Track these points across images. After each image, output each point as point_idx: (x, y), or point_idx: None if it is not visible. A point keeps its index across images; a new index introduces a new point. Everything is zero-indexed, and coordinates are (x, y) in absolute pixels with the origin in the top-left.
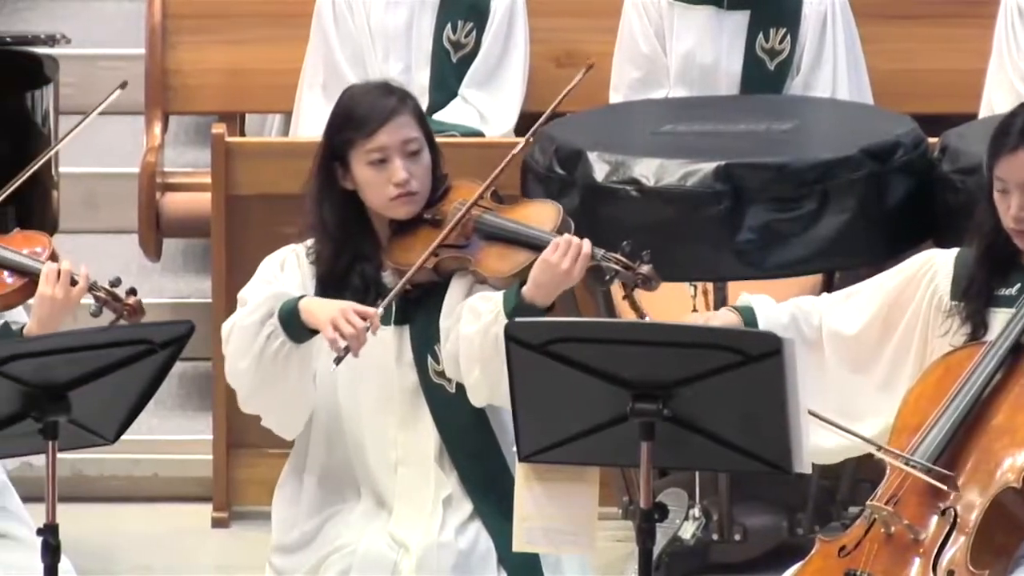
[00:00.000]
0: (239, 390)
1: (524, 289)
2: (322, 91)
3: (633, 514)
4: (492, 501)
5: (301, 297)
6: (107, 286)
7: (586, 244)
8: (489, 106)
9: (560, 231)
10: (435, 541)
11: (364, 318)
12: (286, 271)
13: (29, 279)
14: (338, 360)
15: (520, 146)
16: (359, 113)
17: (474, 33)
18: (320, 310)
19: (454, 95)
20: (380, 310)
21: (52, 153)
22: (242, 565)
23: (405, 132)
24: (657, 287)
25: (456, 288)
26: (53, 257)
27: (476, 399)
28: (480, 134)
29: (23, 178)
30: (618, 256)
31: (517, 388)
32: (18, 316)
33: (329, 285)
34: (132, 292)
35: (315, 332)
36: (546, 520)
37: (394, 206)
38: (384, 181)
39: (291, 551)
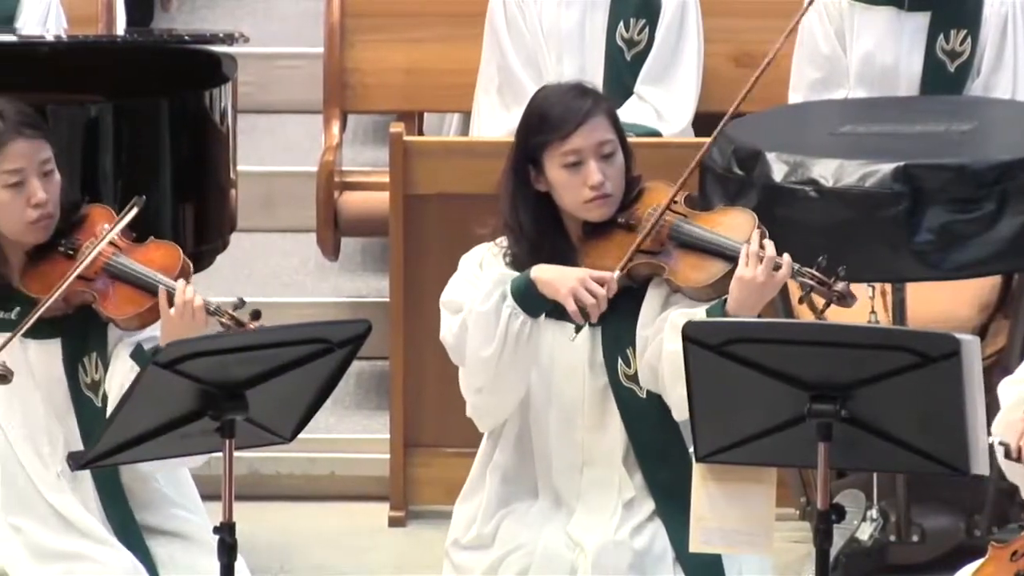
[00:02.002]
0: (481, 379)
1: (727, 306)
2: (497, 95)
3: (810, 515)
4: (675, 502)
5: (528, 271)
6: (231, 311)
7: (785, 259)
8: (665, 102)
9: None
10: (611, 540)
11: (602, 284)
12: (485, 270)
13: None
14: (578, 328)
15: (705, 149)
16: (553, 115)
17: (647, 30)
18: (558, 280)
19: (629, 93)
20: (617, 273)
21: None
22: (418, 564)
23: (600, 134)
24: (853, 304)
25: (653, 297)
26: (184, 272)
27: (679, 414)
28: (657, 133)
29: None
30: (813, 272)
31: (695, 389)
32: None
33: None
34: (256, 316)
35: (551, 303)
36: (723, 521)
37: (588, 208)
38: (579, 184)
39: (470, 548)
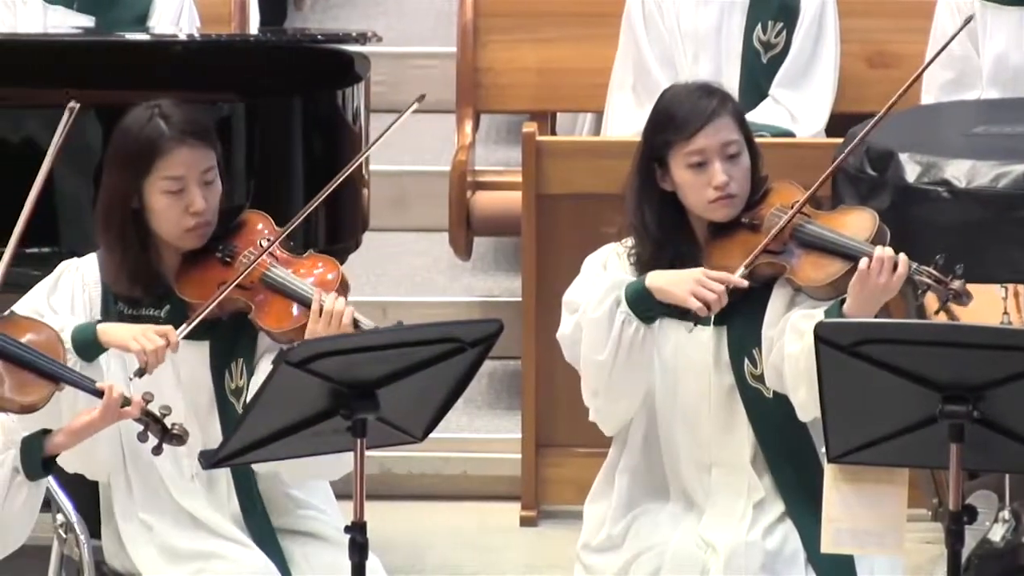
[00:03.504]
0: (595, 383)
1: (845, 305)
2: (631, 92)
3: (942, 516)
4: (804, 503)
5: (643, 279)
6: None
7: (902, 259)
8: (800, 106)
9: (876, 241)
10: (743, 541)
11: (720, 281)
12: (609, 271)
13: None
14: (696, 322)
15: (843, 155)
16: (679, 115)
17: (784, 33)
18: (674, 283)
19: (764, 95)
20: (741, 271)
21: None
22: (550, 564)
23: (725, 135)
24: (969, 303)
25: (778, 298)
26: (343, 288)
27: (804, 415)
28: (790, 134)
29: (314, 204)
30: (931, 270)
31: (826, 389)
32: None
33: None
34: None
35: (665, 310)
36: (854, 521)
37: (713, 209)
38: (703, 184)
39: (601, 550)
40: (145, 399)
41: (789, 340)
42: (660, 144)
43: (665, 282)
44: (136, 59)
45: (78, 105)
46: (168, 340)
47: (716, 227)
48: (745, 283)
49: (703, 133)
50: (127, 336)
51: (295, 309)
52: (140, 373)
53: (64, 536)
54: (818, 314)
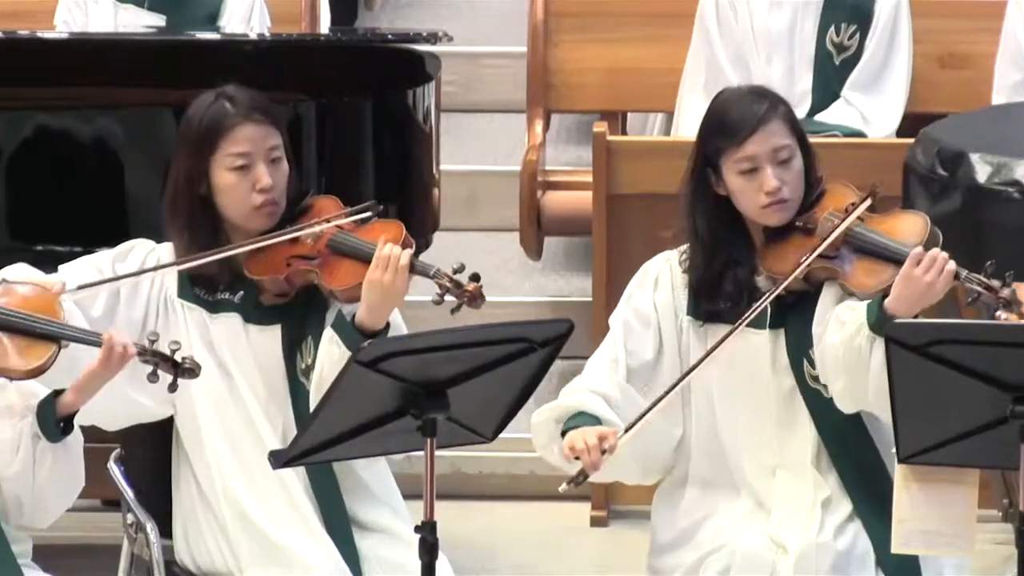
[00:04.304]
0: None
1: (887, 302)
2: (703, 92)
3: (1013, 517)
4: (871, 502)
5: (575, 423)
6: (450, 273)
7: (950, 263)
8: (872, 109)
9: (927, 245)
10: (813, 542)
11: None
12: (659, 288)
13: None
14: (577, 482)
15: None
16: (729, 121)
17: (857, 35)
18: (570, 436)
19: (836, 97)
20: (622, 434)
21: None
22: (620, 565)
23: (776, 140)
24: (1019, 310)
25: (827, 296)
26: (406, 245)
27: (843, 406)
28: (862, 135)
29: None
30: (980, 277)
31: (897, 389)
32: None
33: (702, 293)
34: (475, 278)
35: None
36: (924, 522)
37: (766, 214)
38: (755, 189)
39: (670, 551)
40: (150, 339)
41: (831, 330)
42: (712, 150)
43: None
44: (206, 59)
45: None
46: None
47: (771, 231)
48: (615, 447)
49: (753, 139)
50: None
51: (361, 267)
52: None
53: (134, 535)
54: (860, 307)
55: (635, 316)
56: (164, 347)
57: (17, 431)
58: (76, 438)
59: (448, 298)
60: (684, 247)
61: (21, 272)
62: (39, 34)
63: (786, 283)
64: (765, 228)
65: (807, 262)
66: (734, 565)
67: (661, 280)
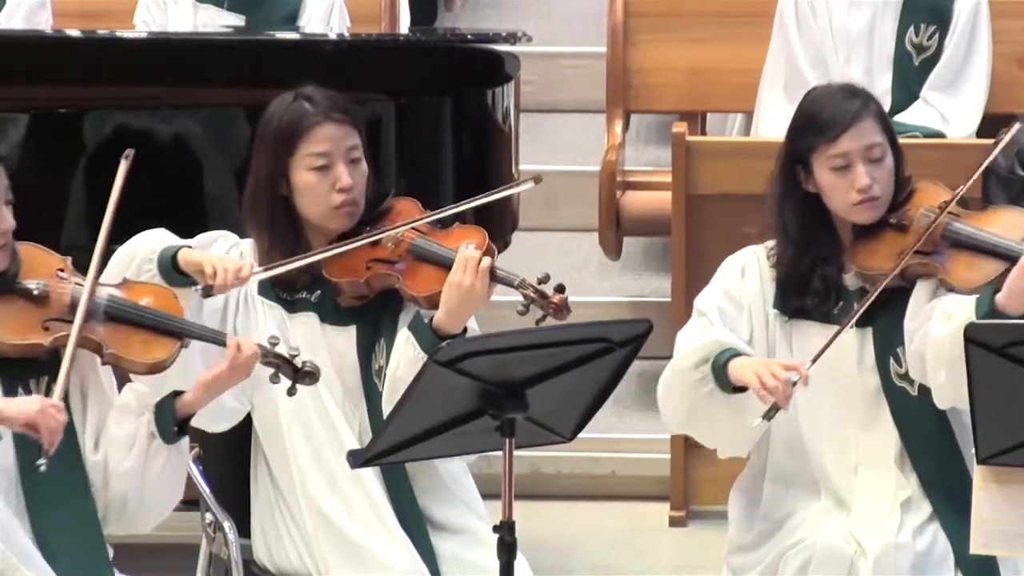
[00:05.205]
0: (667, 418)
1: (998, 297)
2: (783, 92)
3: None
4: (952, 503)
5: (731, 353)
6: (535, 283)
7: None
8: (952, 109)
9: None
10: (892, 542)
11: (789, 369)
12: (746, 277)
13: None
14: (768, 416)
15: (993, 154)
16: (822, 117)
17: (937, 36)
18: (746, 369)
19: (915, 97)
20: (810, 364)
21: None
22: (699, 565)
23: (868, 137)
24: None
25: (921, 291)
26: (488, 253)
27: (941, 401)
28: (941, 135)
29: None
30: None
31: (976, 390)
32: None
33: (789, 289)
34: (560, 289)
35: (741, 390)
36: (1004, 523)
37: (857, 211)
38: (846, 186)
39: (749, 549)
40: (271, 342)
41: (936, 322)
42: (803, 147)
43: (743, 367)
44: (286, 58)
45: (132, 152)
46: (240, 272)
47: (861, 228)
48: (808, 378)
49: (846, 136)
50: (204, 261)
51: (443, 273)
52: (207, 293)
53: (212, 535)
54: (970, 300)
55: (728, 300)
56: (284, 350)
57: (133, 428)
58: (186, 443)
59: (533, 308)
60: (770, 243)
61: (194, 240)
62: (118, 33)
63: (890, 278)
64: (854, 226)
65: (908, 254)
66: (814, 559)
67: (748, 270)
